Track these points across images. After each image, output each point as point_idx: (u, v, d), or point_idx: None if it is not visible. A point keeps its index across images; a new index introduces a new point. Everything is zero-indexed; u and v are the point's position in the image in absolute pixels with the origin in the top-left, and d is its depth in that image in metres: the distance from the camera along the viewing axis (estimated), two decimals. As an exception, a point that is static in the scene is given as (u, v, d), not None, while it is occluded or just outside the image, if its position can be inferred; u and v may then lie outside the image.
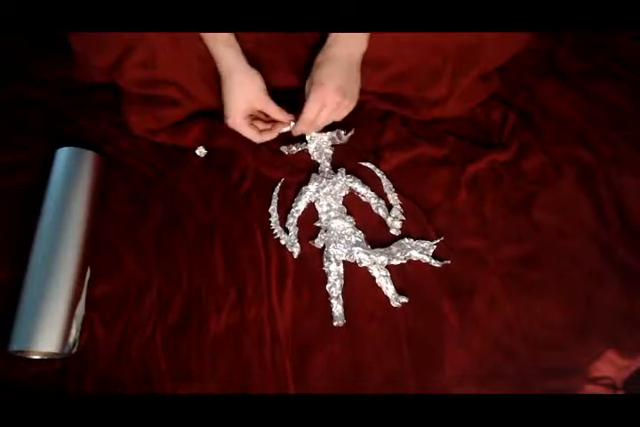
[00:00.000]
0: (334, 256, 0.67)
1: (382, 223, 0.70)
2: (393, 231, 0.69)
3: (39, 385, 0.61)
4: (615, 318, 0.63)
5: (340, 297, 0.65)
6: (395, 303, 0.64)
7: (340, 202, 0.71)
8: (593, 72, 0.80)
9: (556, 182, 0.71)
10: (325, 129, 0.72)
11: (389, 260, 0.66)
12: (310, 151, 0.75)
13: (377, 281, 0.66)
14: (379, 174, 0.73)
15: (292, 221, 0.70)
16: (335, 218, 0.69)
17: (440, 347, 0.62)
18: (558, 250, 0.67)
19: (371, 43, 0.69)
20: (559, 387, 0.60)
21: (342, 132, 0.74)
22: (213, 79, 0.71)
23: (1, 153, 0.75)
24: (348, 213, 0.70)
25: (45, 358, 0.62)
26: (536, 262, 0.66)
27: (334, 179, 0.72)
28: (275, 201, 0.72)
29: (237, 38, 0.68)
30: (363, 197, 0.72)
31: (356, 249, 0.67)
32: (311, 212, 0.71)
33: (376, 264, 0.66)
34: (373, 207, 0.71)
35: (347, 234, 0.68)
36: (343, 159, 0.75)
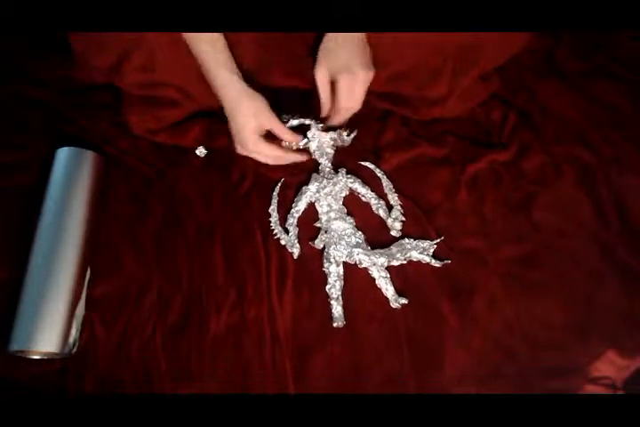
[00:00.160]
0: (334, 257, 0.67)
1: (382, 224, 0.70)
2: (393, 233, 0.69)
3: (39, 385, 0.62)
4: (615, 318, 0.63)
5: (340, 298, 0.65)
6: (394, 304, 0.64)
7: (341, 202, 0.71)
8: (592, 72, 0.80)
9: (555, 182, 0.71)
10: (328, 129, 0.73)
11: (389, 261, 0.66)
12: (311, 150, 0.74)
13: (377, 282, 0.66)
14: (379, 175, 0.73)
15: (292, 221, 0.70)
16: (335, 219, 0.69)
17: (440, 347, 0.62)
18: (558, 250, 0.67)
19: (371, 43, 0.69)
20: (559, 387, 0.60)
21: (344, 134, 0.74)
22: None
23: (1, 153, 0.75)
24: (348, 214, 0.70)
25: (45, 358, 0.62)
26: (536, 262, 0.66)
27: (335, 179, 0.72)
28: (275, 201, 0.72)
29: (236, 45, 0.68)
30: (363, 198, 0.72)
31: (356, 250, 0.67)
32: (311, 212, 0.71)
33: (376, 265, 0.66)
34: (374, 208, 0.71)
35: (347, 235, 0.68)
36: (344, 159, 0.75)
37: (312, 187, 0.72)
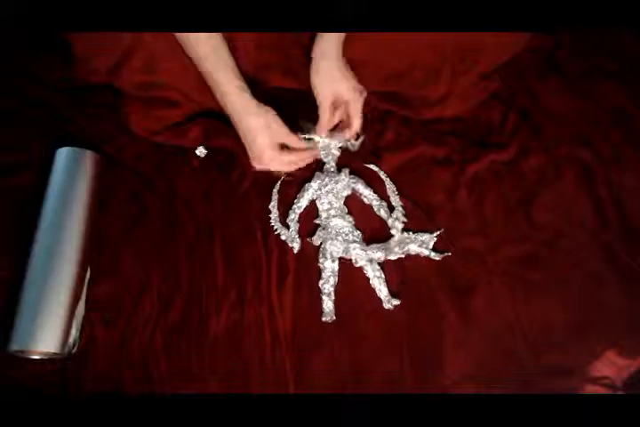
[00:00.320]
0: (330, 253, 0.67)
1: (383, 225, 0.70)
2: (394, 232, 0.69)
3: (39, 385, 0.61)
4: (615, 318, 0.63)
5: (332, 294, 0.65)
6: (387, 305, 0.64)
7: (342, 201, 0.71)
8: (592, 72, 0.80)
9: (555, 182, 0.71)
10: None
11: (387, 255, 0.66)
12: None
13: (370, 282, 0.65)
14: (382, 176, 0.73)
15: (293, 216, 0.70)
16: (335, 216, 0.69)
17: (440, 347, 0.62)
18: (558, 250, 0.67)
19: (364, 42, 0.69)
20: (559, 387, 0.60)
21: (352, 138, 0.74)
22: None
23: (1, 153, 0.75)
24: (348, 213, 0.70)
25: (45, 358, 0.62)
26: (536, 262, 0.66)
27: (337, 178, 0.72)
28: (275, 197, 0.72)
29: (233, 47, 0.69)
30: (365, 199, 0.72)
31: (352, 246, 0.67)
32: (312, 209, 0.71)
33: (372, 264, 0.66)
34: (375, 209, 0.71)
35: (344, 233, 0.68)
36: (347, 160, 0.75)
37: (314, 184, 0.72)
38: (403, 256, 0.67)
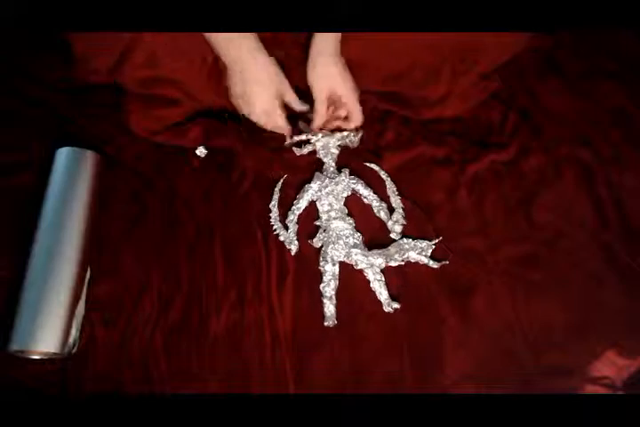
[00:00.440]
0: (331, 257, 0.67)
1: (383, 226, 0.70)
2: (393, 235, 0.69)
3: (39, 385, 0.61)
4: (615, 318, 0.63)
5: (334, 297, 0.65)
6: (387, 309, 0.64)
7: (342, 202, 0.71)
8: (592, 72, 0.80)
9: (555, 182, 0.71)
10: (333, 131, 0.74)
11: (387, 262, 0.66)
12: (317, 149, 0.75)
13: (371, 285, 0.65)
14: (383, 176, 0.73)
15: (292, 218, 0.70)
16: (335, 218, 0.69)
17: (440, 347, 0.62)
18: (558, 250, 0.67)
19: (364, 42, 0.69)
20: (559, 387, 0.60)
21: (352, 134, 0.74)
22: (215, 76, 0.71)
23: (1, 153, 0.75)
24: (348, 215, 0.70)
25: (45, 358, 0.62)
26: (536, 262, 0.66)
27: (337, 179, 0.72)
28: (276, 197, 0.72)
29: None
30: (365, 199, 0.72)
31: (354, 251, 0.67)
32: (312, 210, 0.71)
33: (372, 267, 0.66)
34: (375, 210, 0.71)
35: (345, 235, 0.68)
36: (347, 159, 0.75)
37: (314, 185, 0.72)
38: (403, 264, 0.67)
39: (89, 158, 0.71)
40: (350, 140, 0.74)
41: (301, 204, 0.71)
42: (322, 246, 0.68)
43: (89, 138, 0.75)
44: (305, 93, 0.72)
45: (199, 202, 0.72)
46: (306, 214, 0.71)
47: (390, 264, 0.66)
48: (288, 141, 0.74)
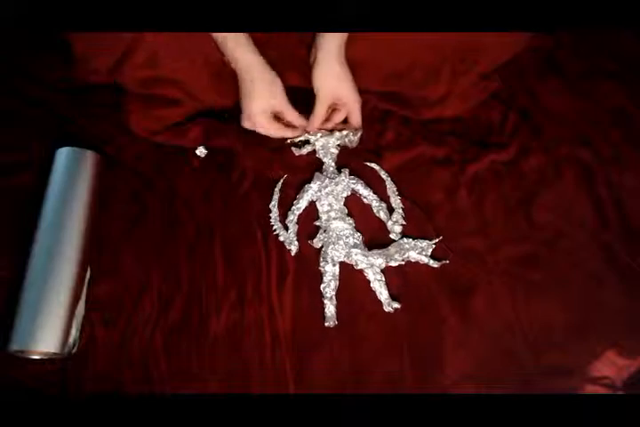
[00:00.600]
0: (332, 257, 0.67)
1: (382, 226, 0.70)
2: (393, 236, 0.69)
3: (39, 385, 0.61)
4: (615, 318, 0.63)
5: (334, 298, 0.65)
6: (387, 308, 0.64)
7: (342, 202, 0.71)
8: (592, 72, 0.80)
9: (555, 182, 0.71)
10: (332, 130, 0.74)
11: (387, 261, 0.66)
12: (316, 149, 0.75)
13: (371, 285, 0.65)
14: (383, 176, 0.73)
15: (292, 218, 0.70)
16: (335, 218, 0.69)
17: (440, 347, 0.62)
18: (558, 250, 0.67)
19: (364, 42, 0.69)
20: (559, 387, 0.60)
21: (351, 134, 0.74)
22: (216, 76, 0.71)
23: (1, 153, 0.75)
24: (348, 215, 0.70)
25: (45, 358, 0.62)
26: (536, 262, 0.66)
27: (337, 179, 0.72)
28: (276, 197, 0.72)
29: None
30: (365, 200, 0.72)
31: (354, 251, 0.67)
32: (312, 210, 0.71)
33: (373, 267, 0.66)
34: (375, 210, 0.71)
35: (345, 235, 0.68)
36: (347, 159, 0.75)
37: (314, 185, 0.72)
38: (403, 263, 0.66)
39: (89, 158, 0.71)
40: (349, 140, 0.74)
41: (301, 204, 0.71)
42: (322, 247, 0.68)
43: (89, 138, 0.75)
44: (304, 94, 0.72)
45: (199, 202, 0.72)
46: (306, 215, 0.71)
47: (390, 264, 0.66)
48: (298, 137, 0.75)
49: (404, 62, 0.72)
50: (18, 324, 0.61)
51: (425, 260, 0.66)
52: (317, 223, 0.70)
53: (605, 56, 0.81)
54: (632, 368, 0.61)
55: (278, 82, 0.70)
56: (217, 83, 0.72)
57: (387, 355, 0.62)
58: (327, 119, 0.74)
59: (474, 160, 0.73)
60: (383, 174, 0.73)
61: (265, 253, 0.68)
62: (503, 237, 0.68)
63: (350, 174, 0.73)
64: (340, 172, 0.73)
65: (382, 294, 0.65)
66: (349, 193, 0.72)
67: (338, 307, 0.64)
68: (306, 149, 0.75)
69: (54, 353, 0.61)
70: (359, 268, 0.66)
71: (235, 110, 0.74)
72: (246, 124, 0.72)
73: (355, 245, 0.67)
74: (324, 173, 0.73)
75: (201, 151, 0.76)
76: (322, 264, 0.67)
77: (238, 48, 0.68)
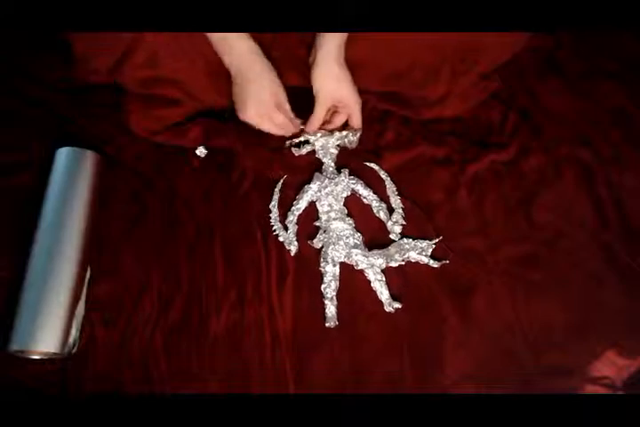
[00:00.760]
0: (332, 258, 0.67)
1: (382, 226, 0.70)
2: (392, 236, 0.69)
3: (39, 385, 0.61)
4: (615, 318, 0.63)
5: (335, 298, 0.65)
6: (388, 308, 0.64)
7: (342, 203, 0.71)
8: (592, 72, 0.80)
9: (555, 182, 0.71)
10: (332, 131, 0.75)
11: (387, 262, 0.66)
12: (316, 149, 0.75)
13: (372, 285, 0.65)
14: (383, 176, 0.73)
15: (291, 218, 0.70)
16: (335, 219, 0.69)
17: (440, 347, 0.62)
18: (558, 250, 0.67)
19: (364, 42, 0.69)
20: (559, 387, 0.60)
21: (350, 134, 0.74)
22: (216, 76, 0.71)
23: (1, 153, 0.75)
24: (348, 215, 0.70)
25: (45, 358, 0.62)
26: (536, 262, 0.66)
27: (337, 179, 0.72)
28: (276, 197, 0.72)
29: None
30: (364, 200, 0.72)
31: (354, 251, 0.67)
32: (312, 211, 0.71)
33: (373, 267, 0.66)
34: (374, 210, 0.71)
35: (345, 236, 0.68)
36: (347, 159, 0.75)
37: (314, 186, 0.72)
38: (403, 264, 0.67)
39: (89, 158, 0.71)
40: (349, 140, 0.74)
41: (301, 204, 0.71)
42: (322, 247, 0.68)
43: (89, 138, 0.75)
44: (305, 93, 0.72)
45: (199, 202, 0.72)
46: (305, 215, 0.71)
47: (391, 264, 0.66)
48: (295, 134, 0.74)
49: (403, 62, 0.72)
50: (18, 324, 0.61)
51: (425, 260, 0.66)
52: (317, 224, 0.70)
53: (605, 56, 0.81)
54: (632, 368, 0.61)
55: (276, 76, 0.70)
56: (217, 83, 0.72)
57: (387, 355, 0.62)
58: (328, 122, 0.74)
59: (474, 160, 0.73)
60: (383, 174, 0.73)
61: (265, 254, 0.68)
62: (503, 237, 0.68)
63: (350, 175, 0.73)
64: (339, 172, 0.73)
65: (383, 293, 0.65)
66: (349, 193, 0.72)
67: (338, 307, 0.65)
68: (305, 150, 0.75)
69: (54, 353, 0.61)
70: (359, 268, 0.66)
71: (235, 110, 0.74)
72: (246, 115, 0.71)
73: (355, 246, 0.67)
74: (324, 174, 0.73)
75: (201, 151, 0.76)
76: (322, 265, 0.67)
77: (234, 38, 0.68)
